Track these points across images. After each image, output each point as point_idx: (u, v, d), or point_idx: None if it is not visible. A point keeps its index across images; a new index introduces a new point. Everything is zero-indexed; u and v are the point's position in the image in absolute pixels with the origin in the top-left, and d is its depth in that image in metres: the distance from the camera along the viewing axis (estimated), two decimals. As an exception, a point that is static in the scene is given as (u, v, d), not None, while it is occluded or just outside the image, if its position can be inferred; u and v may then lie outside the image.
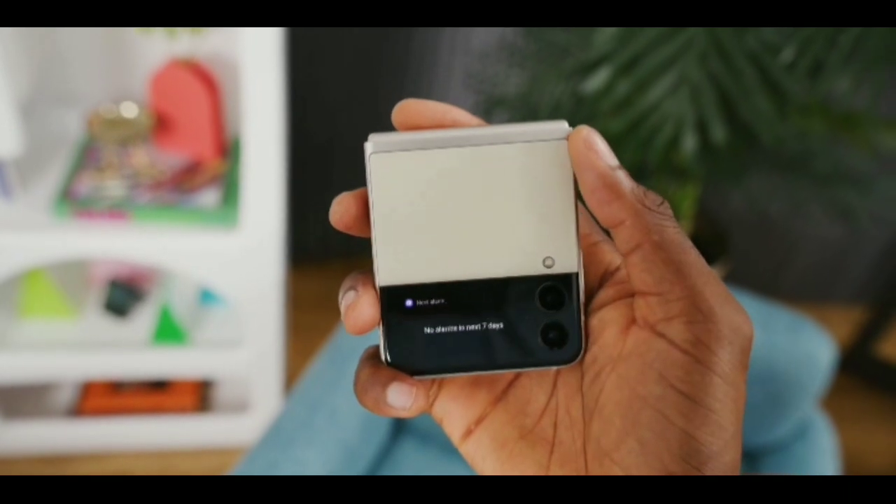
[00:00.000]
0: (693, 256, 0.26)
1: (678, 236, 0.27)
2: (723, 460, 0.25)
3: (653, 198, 0.27)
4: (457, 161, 0.29)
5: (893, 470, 1.56)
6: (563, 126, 0.29)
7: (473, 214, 0.29)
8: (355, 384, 0.29)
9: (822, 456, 1.04)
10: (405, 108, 0.29)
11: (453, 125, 0.29)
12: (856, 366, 1.71)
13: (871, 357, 1.70)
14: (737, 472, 0.26)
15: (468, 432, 0.30)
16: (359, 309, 0.28)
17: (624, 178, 0.27)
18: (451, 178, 0.29)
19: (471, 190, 0.29)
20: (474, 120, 0.30)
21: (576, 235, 0.29)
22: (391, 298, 0.29)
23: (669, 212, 0.27)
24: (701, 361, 0.25)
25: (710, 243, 1.51)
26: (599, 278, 0.30)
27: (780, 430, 1.02)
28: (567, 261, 0.29)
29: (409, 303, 0.29)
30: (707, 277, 0.26)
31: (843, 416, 1.62)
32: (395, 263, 0.29)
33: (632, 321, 0.28)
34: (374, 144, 0.29)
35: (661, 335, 0.26)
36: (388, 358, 0.29)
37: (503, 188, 0.29)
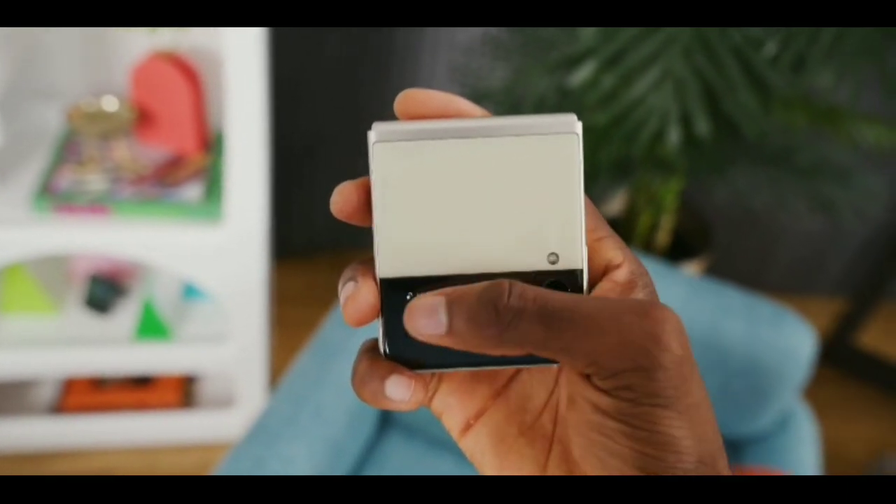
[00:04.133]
0: (576, 326, 0.25)
1: (546, 311, 0.25)
2: (685, 467, 0.24)
3: (503, 302, 0.25)
4: (461, 152, 0.28)
5: (873, 458, 1.58)
6: (570, 119, 0.28)
7: (477, 207, 0.28)
8: (353, 376, 0.29)
9: (804, 445, 1.05)
10: (409, 98, 0.28)
11: (458, 116, 0.28)
12: (836, 356, 1.73)
13: (850, 348, 1.72)
14: (718, 467, 0.25)
15: (467, 427, 0.30)
16: (358, 300, 0.28)
17: (464, 331, 0.25)
18: (455, 169, 0.28)
19: (475, 182, 0.28)
20: (479, 111, 0.29)
21: (581, 231, 0.28)
22: (391, 290, 0.28)
23: (517, 290, 0.25)
24: (627, 400, 0.25)
25: (694, 236, 1.52)
26: (600, 275, 0.29)
27: (763, 421, 1.03)
28: (572, 257, 0.28)
29: (409, 295, 0.28)
30: (602, 328, 0.24)
31: (823, 405, 1.64)
32: (396, 255, 0.28)
33: None
34: (377, 133, 0.28)
35: (586, 380, 0.26)
36: (387, 350, 0.29)
37: (508, 181, 0.28)
